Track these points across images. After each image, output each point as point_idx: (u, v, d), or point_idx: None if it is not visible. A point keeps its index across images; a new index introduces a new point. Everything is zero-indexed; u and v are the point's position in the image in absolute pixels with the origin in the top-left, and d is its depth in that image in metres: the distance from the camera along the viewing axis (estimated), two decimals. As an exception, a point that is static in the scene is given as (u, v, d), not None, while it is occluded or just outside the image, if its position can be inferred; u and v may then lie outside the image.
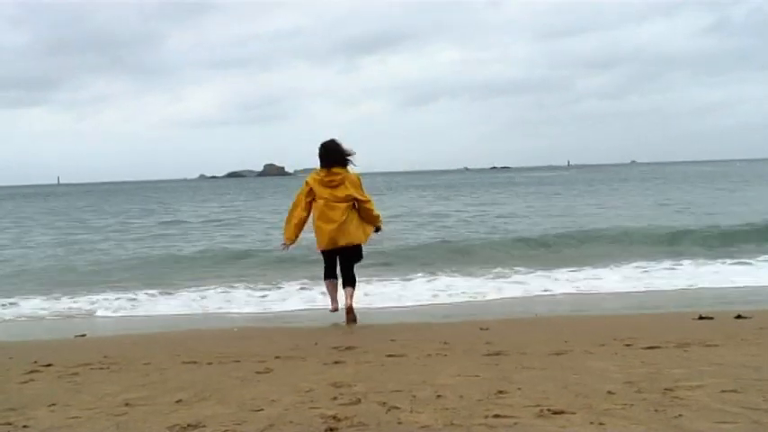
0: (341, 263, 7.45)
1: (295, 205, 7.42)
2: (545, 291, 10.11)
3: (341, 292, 7.53)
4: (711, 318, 6.98)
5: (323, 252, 7.46)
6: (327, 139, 7.40)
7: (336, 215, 7.13)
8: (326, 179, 7.18)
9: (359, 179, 7.38)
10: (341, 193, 7.17)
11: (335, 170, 7.20)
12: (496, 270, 11.97)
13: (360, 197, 7.31)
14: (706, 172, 78.51)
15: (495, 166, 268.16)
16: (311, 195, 7.27)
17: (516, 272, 11.80)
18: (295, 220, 7.39)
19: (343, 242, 7.25)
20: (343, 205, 7.17)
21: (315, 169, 7.44)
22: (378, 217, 7.51)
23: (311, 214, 7.33)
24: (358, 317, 7.49)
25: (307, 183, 7.34)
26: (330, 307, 7.63)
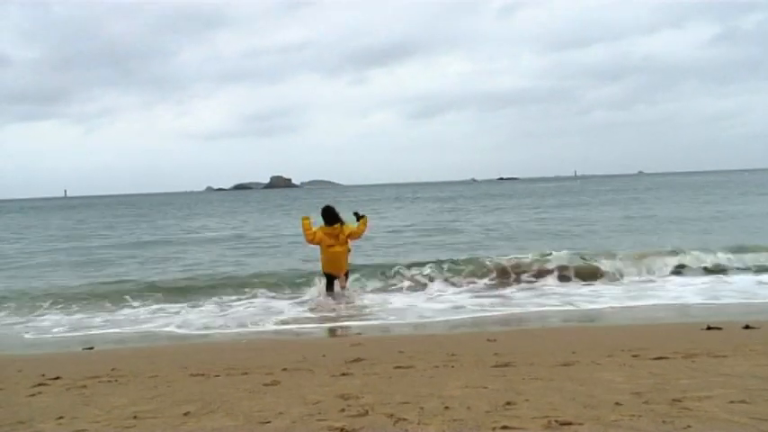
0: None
1: (314, 233, 10.84)
2: (548, 304, 10.07)
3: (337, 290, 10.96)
4: (719, 328, 6.96)
5: (325, 274, 11.01)
6: (326, 205, 11.16)
7: (339, 254, 10.80)
8: (329, 232, 10.82)
9: (348, 226, 10.94)
10: (341, 236, 10.80)
11: (334, 225, 10.79)
12: (502, 282, 12.01)
13: (351, 235, 10.87)
14: (717, 182, 78.11)
15: (503, 176, 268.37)
16: (319, 241, 10.84)
17: (522, 284, 11.83)
18: (311, 235, 10.91)
19: (338, 271, 10.94)
20: (342, 245, 10.82)
21: (321, 222, 11.00)
22: (360, 229, 11.00)
23: (321, 249, 10.88)
24: (365, 333, 8.42)
25: (317, 234, 10.82)
26: (325, 293, 10.99)
